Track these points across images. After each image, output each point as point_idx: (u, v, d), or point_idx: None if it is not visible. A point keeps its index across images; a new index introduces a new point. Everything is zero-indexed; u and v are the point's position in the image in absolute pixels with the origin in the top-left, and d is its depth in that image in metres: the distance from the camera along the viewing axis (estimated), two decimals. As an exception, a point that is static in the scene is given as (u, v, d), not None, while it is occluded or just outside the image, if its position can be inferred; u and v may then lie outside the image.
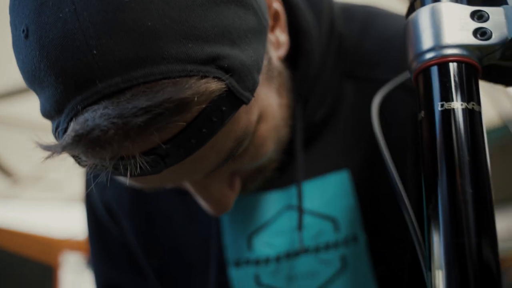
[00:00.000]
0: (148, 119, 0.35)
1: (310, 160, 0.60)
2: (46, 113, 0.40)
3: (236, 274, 0.62)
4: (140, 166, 0.38)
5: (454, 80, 0.35)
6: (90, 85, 0.36)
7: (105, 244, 0.70)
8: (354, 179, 0.59)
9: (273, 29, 0.53)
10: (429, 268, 0.33)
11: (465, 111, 0.34)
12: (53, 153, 0.37)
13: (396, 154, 0.59)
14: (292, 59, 0.58)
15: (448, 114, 0.34)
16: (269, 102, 0.49)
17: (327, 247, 0.59)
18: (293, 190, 0.60)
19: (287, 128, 0.56)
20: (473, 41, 0.35)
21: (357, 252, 0.59)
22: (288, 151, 0.58)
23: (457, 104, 0.34)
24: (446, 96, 0.35)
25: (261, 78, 0.46)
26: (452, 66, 0.36)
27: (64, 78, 0.36)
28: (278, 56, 0.53)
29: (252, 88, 0.41)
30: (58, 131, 0.39)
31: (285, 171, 0.59)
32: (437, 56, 0.36)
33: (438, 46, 0.36)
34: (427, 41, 0.37)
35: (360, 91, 0.60)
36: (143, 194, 0.64)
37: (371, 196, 0.60)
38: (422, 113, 0.36)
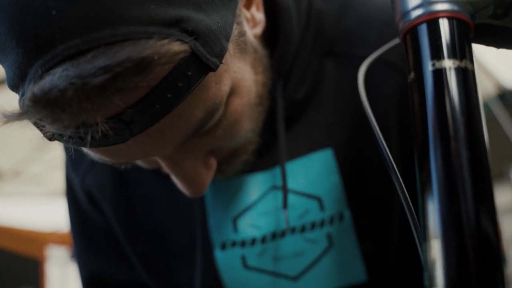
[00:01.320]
0: (108, 79, 0.34)
1: (293, 140, 0.59)
2: (11, 83, 0.38)
3: (222, 257, 0.60)
4: (103, 133, 0.36)
5: (445, 38, 0.33)
6: (50, 48, 0.34)
7: (88, 233, 0.69)
8: (338, 157, 0.58)
9: (248, 6, 0.51)
10: (424, 238, 0.31)
11: (458, 69, 0.32)
12: (12, 118, 0.35)
13: (380, 130, 0.58)
14: (270, 37, 0.57)
15: (440, 73, 0.32)
16: (243, 76, 0.48)
17: (313, 226, 0.58)
18: (277, 171, 0.59)
19: (264, 107, 0.55)
20: (464, -6, 0.33)
21: (343, 230, 0.59)
22: (270, 131, 0.57)
23: (449, 63, 0.32)
24: (437, 55, 0.32)
25: (233, 50, 0.45)
26: (443, 23, 0.33)
27: (24, 41, 0.35)
28: (254, 34, 0.52)
29: (219, 54, 0.40)
30: (22, 100, 0.37)
31: (269, 152, 0.58)
32: (425, 13, 0.34)
33: (426, 2, 0.34)
34: (414, -2, 0.34)
35: (341, 68, 0.59)
36: (125, 180, 0.63)
37: (356, 174, 0.59)
38: (412, 75, 0.34)
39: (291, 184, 0.59)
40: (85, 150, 0.42)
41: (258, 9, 0.53)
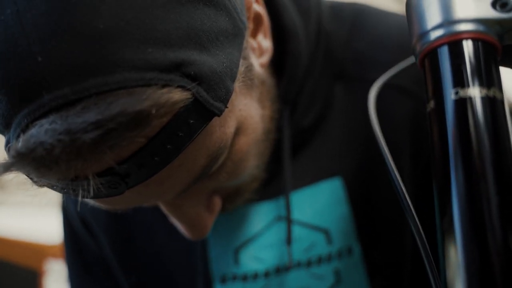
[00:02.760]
0: (99, 135, 0.30)
1: (299, 168, 0.55)
2: None
3: None
4: (95, 189, 0.33)
5: (470, 62, 0.29)
6: (36, 97, 0.31)
7: (81, 256, 0.65)
8: (347, 187, 0.54)
9: (254, 34, 0.47)
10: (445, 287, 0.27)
11: (485, 99, 0.28)
12: (1, 171, 0.32)
13: (392, 159, 0.55)
14: (277, 61, 0.53)
15: (464, 103, 0.28)
16: (249, 114, 0.44)
17: (320, 260, 0.55)
18: (282, 201, 0.55)
19: (270, 141, 0.51)
20: (492, 13, 0.29)
21: (352, 264, 0.55)
22: (275, 159, 0.53)
23: (475, 91, 0.28)
24: (461, 82, 0.28)
25: (239, 86, 0.41)
26: (467, 45, 0.29)
27: (7, 89, 0.32)
28: (261, 63, 0.48)
29: (224, 98, 0.36)
30: (8, 148, 0.34)
31: (274, 181, 0.55)
32: (447, 33, 0.30)
33: (447, 21, 0.30)
34: (434, 17, 0.30)
35: (351, 92, 0.56)
36: None
37: (366, 205, 0.55)
38: (432, 103, 0.29)
39: (297, 215, 0.55)
40: None
41: (265, 36, 0.49)
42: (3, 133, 0.35)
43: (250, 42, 0.46)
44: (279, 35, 0.54)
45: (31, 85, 0.31)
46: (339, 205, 0.55)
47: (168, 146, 0.34)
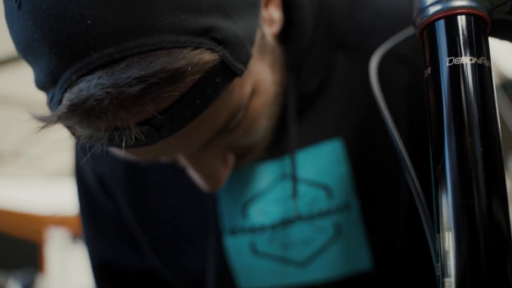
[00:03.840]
0: (142, 89, 0.35)
1: (303, 130, 0.59)
2: (40, 84, 0.39)
3: (231, 242, 0.61)
4: (135, 137, 0.38)
5: (463, 34, 0.33)
6: (84, 56, 0.35)
7: (98, 219, 0.70)
8: (347, 148, 0.59)
9: (266, 5, 0.52)
10: (437, 230, 0.32)
11: (475, 66, 0.32)
12: (48, 123, 0.36)
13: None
14: (283, 31, 0.57)
15: (457, 69, 0.33)
16: (263, 77, 0.49)
17: (321, 214, 0.59)
18: (287, 160, 0.60)
19: (278, 105, 0.56)
20: (482, -8, 0.33)
21: (351, 219, 0.60)
22: (281, 121, 0.58)
23: (467, 59, 0.32)
24: (455, 51, 0.33)
25: (255, 52, 0.46)
26: (460, 19, 0.34)
27: (58, 48, 0.36)
28: (272, 33, 0.53)
29: (245, 60, 0.42)
30: (53, 102, 0.38)
31: (279, 141, 0.59)
32: (443, 9, 0.34)
33: (445, -2, 0.34)
34: (433, -6, 0.35)
35: (351, 60, 0.60)
36: (137, 166, 0.63)
37: (364, 164, 0.60)
38: (429, 70, 0.34)
39: (301, 172, 0.59)
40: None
41: (276, 7, 0.54)
42: (46, 89, 0.39)
43: (263, 13, 0.50)
44: (286, 7, 0.58)
45: (80, 45, 0.35)
46: (339, 164, 0.59)
47: (197, 101, 0.39)
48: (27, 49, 0.38)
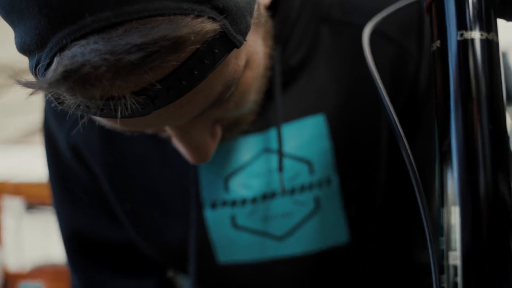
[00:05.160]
0: (142, 57, 0.33)
1: (286, 104, 0.59)
2: (24, 47, 0.36)
3: (212, 215, 0.60)
4: (131, 107, 0.36)
5: (474, 8, 0.33)
6: (78, 18, 0.33)
7: (70, 188, 0.67)
8: (330, 123, 0.59)
9: None
10: (442, 204, 0.32)
11: (485, 41, 0.32)
12: (38, 89, 0.33)
13: (373, 100, 0.59)
14: (271, 3, 0.56)
15: (466, 44, 0.32)
16: (256, 50, 0.48)
17: (302, 188, 0.60)
18: (271, 133, 0.59)
19: (266, 77, 0.55)
20: (495, -34, 0.33)
21: (330, 193, 0.60)
22: (266, 95, 0.57)
23: (477, 34, 0.32)
24: (465, 25, 0.33)
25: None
26: (471, -7, 0.33)
27: (49, 9, 0.33)
28: (264, 3, 0.51)
29: (244, 32, 0.40)
30: (39, 67, 0.35)
31: (262, 114, 0.58)
32: (454, -19, 0.34)
33: (455, -29, 0.34)
34: (443, -34, 0.34)
35: (336, 35, 0.59)
36: (113, 135, 0.61)
37: (346, 140, 0.60)
38: (438, 43, 0.34)
39: (284, 147, 0.59)
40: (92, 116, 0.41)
41: None
42: (31, 53, 0.36)
43: None
44: None
45: (74, 6, 0.32)
46: (322, 139, 0.59)
47: (195, 72, 0.37)
48: (11, 8, 0.35)
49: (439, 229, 0.32)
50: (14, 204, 2.81)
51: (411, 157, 0.38)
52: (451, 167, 0.31)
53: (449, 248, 0.31)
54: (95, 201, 0.67)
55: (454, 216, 0.31)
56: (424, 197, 0.35)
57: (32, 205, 2.84)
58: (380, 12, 0.50)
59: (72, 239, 0.69)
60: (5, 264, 2.72)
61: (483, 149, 0.31)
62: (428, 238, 0.35)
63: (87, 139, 0.63)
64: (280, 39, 0.57)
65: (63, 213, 0.69)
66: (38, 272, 2.63)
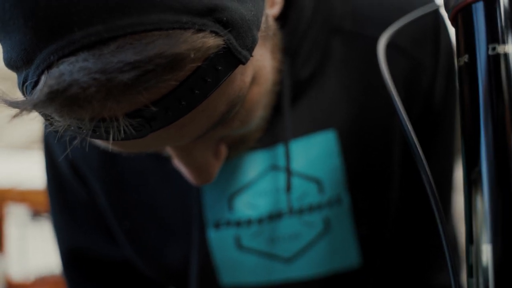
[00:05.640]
0: (136, 76, 0.29)
1: (295, 119, 0.56)
2: (11, 63, 0.33)
3: (215, 236, 0.57)
4: (124, 130, 0.32)
5: (506, 19, 0.29)
6: (66, 32, 0.29)
7: (69, 204, 0.64)
8: (341, 139, 0.56)
9: None
10: (470, 241, 0.28)
11: (520, 56, 0.29)
12: (22, 110, 0.30)
13: (386, 114, 0.56)
14: (281, 13, 0.53)
15: (499, 59, 0.29)
16: (263, 64, 0.44)
17: (311, 208, 0.56)
18: (279, 150, 0.56)
19: (274, 92, 0.52)
20: (530, -29, 0.29)
21: (341, 213, 0.57)
22: (274, 109, 0.53)
23: (510, 48, 0.29)
24: (497, 38, 0.29)
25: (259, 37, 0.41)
26: (502, 1, 0.30)
27: (34, 22, 0.30)
28: (272, 14, 0.48)
29: (250, 47, 0.36)
30: (26, 85, 0.32)
31: (269, 129, 0.55)
32: (483, -11, 0.30)
33: (485, -23, 0.30)
34: (471, -29, 0.30)
35: (347, 46, 0.57)
36: (113, 152, 0.58)
37: (357, 157, 0.57)
38: (466, 57, 0.30)
39: (292, 164, 0.55)
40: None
41: None
42: (18, 69, 0.33)
43: None
44: None
45: (62, 19, 0.29)
46: (332, 157, 0.56)
47: (196, 91, 0.33)
48: None
49: (467, 269, 0.28)
50: (18, 211, 2.78)
51: (428, 173, 0.34)
52: (482, 199, 0.28)
53: (480, 291, 0.27)
54: (93, 217, 0.64)
55: (485, 255, 0.27)
56: (443, 215, 0.32)
57: (37, 213, 2.82)
58: (394, 23, 0.47)
59: (69, 255, 0.66)
60: (9, 273, 2.70)
61: (518, 178, 0.27)
62: (448, 259, 0.32)
63: (86, 154, 0.60)
64: (289, 51, 0.54)
65: (60, 228, 0.67)
66: (42, 282, 2.60)
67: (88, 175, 0.61)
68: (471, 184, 0.29)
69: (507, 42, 0.29)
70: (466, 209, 0.29)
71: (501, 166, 0.28)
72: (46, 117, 0.34)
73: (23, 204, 2.83)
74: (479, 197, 0.28)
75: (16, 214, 2.81)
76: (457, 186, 0.67)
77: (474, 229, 0.28)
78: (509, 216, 0.27)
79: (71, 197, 0.64)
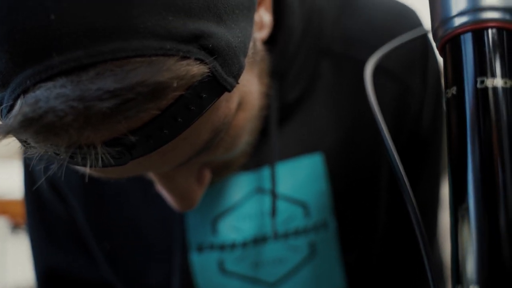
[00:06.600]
0: (116, 105, 0.28)
1: (282, 142, 0.55)
2: None
3: (198, 259, 0.55)
4: (102, 158, 0.31)
5: (495, 51, 0.28)
6: (44, 57, 0.28)
7: (47, 223, 0.63)
8: (327, 163, 0.55)
9: (257, 7, 0.46)
10: (457, 281, 0.27)
11: (509, 90, 0.28)
12: None
13: (373, 137, 0.55)
14: (269, 37, 0.52)
15: (487, 92, 0.28)
16: (250, 89, 0.43)
17: (297, 233, 0.55)
18: (264, 172, 0.55)
19: (261, 118, 0.51)
20: (519, 3, 0.29)
21: (327, 238, 0.56)
22: (260, 132, 0.52)
23: (500, 82, 0.28)
24: (485, 71, 0.28)
25: (246, 62, 0.40)
26: (492, 33, 0.29)
27: (10, 45, 0.29)
28: (261, 38, 0.47)
29: (236, 74, 0.35)
30: (2, 108, 0.31)
31: (256, 152, 0.54)
32: (472, 20, 0.29)
33: (473, 8, 0.29)
34: (459, 2, 0.30)
35: (336, 69, 0.56)
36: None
37: (344, 181, 0.56)
38: (454, 90, 0.29)
39: (278, 187, 0.54)
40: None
41: (267, 9, 0.48)
42: None
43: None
44: (276, 9, 0.52)
45: (39, 43, 0.28)
46: (318, 180, 0.55)
47: (179, 119, 0.32)
48: None
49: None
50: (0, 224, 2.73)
51: (413, 200, 0.33)
52: (470, 239, 0.27)
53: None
54: (72, 238, 0.62)
55: (472, 297, 0.26)
56: (428, 243, 0.31)
57: (17, 225, 2.76)
58: (382, 47, 0.46)
59: (45, 275, 0.64)
60: (-13, 287, 2.64)
61: (509, 219, 0.26)
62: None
63: (66, 173, 0.58)
64: (277, 74, 0.53)
65: (37, 246, 0.65)
66: (22, 296, 2.54)
67: (68, 193, 0.59)
68: (458, 221, 0.28)
69: (496, 76, 0.28)
70: (453, 248, 0.28)
71: (489, 204, 0.27)
72: (22, 142, 0.32)
73: (3, 216, 2.78)
74: (466, 235, 0.27)
75: (-1, 227, 2.76)
76: (443, 204, 0.67)
77: (461, 268, 0.27)
78: (497, 256, 0.26)
79: (49, 214, 0.62)
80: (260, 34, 0.47)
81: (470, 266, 0.26)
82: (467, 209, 0.27)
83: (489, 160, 0.27)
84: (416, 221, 0.33)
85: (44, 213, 0.63)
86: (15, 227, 2.85)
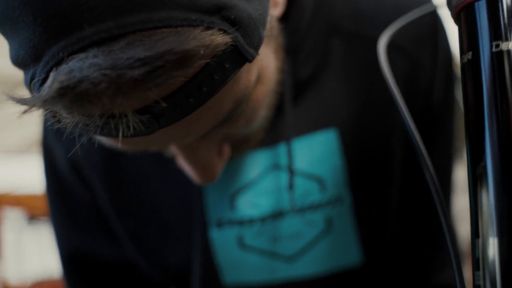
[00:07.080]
0: (146, 73, 0.30)
1: (297, 118, 0.56)
2: (19, 61, 0.33)
3: (217, 235, 0.57)
4: (134, 126, 0.33)
5: (509, 16, 0.30)
6: (76, 29, 0.30)
7: (69, 206, 0.64)
8: (342, 138, 0.56)
9: None
10: (476, 235, 0.29)
11: (524, 53, 0.29)
12: (32, 107, 0.31)
13: (386, 114, 0.57)
14: (282, 15, 0.53)
15: (502, 56, 0.29)
16: (267, 64, 0.45)
17: (313, 207, 0.57)
18: (281, 149, 0.56)
19: (277, 93, 0.52)
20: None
21: (342, 212, 0.57)
22: (276, 109, 0.54)
23: (513, 45, 0.29)
24: (501, 35, 0.29)
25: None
26: (506, 0, 0.30)
27: (44, 19, 0.30)
28: (275, 15, 0.49)
29: (257, 45, 0.37)
30: (34, 82, 0.33)
31: (271, 129, 0.55)
32: (486, -12, 0.31)
33: (487, -25, 0.30)
34: (473, -30, 0.31)
35: (348, 47, 0.57)
36: (115, 152, 0.58)
37: (358, 156, 0.57)
38: (469, 55, 0.30)
39: (294, 163, 0.56)
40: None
41: None
42: (25, 67, 0.33)
43: None
44: None
45: (72, 16, 0.29)
46: (333, 156, 0.56)
47: (204, 89, 0.34)
48: (4, 18, 0.32)
49: (474, 263, 0.29)
50: (14, 216, 2.77)
51: (431, 169, 0.35)
52: (487, 193, 0.28)
53: (486, 284, 0.27)
54: (94, 219, 0.64)
55: (492, 248, 0.27)
56: (448, 213, 0.32)
57: (33, 217, 2.81)
58: (393, 24, 0.47)
59: (70, 258, 0.66)
60: (5, 278, 2.68)
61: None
62: (451, 253, 0.32)
63: (89, 155, 0.60)
64: (290, 51, 0.55)
65: (60, 231, 0.67)
66: (39, 286, 2.58)
67: (91, 176, 0.61)
68: (476, 179, 0.29)
69: (510, 39, 0.29)
70: (472, 203, 0.29)
71: (506, 161, 0.28)
72: (54, 114, 0.34)
73: (19, 208, 2.82)
74: (484, 192, 0.28)
75: (12, 219, 2.80)
76: (456, 187, 0.68)
77: (480, 223, 0.28)
78: (514, 210, 0.27)
79: (72, 199, 0.64)
80: (275, 11, 0.48)
81: (489, 220, 0.28)
82: (485, 167, 0.29)
83: (506, 120, 0.29)
84: (433, 186, 0.34)
85: (66, 198, 0.64)
86: (30, 219, 2.90)
